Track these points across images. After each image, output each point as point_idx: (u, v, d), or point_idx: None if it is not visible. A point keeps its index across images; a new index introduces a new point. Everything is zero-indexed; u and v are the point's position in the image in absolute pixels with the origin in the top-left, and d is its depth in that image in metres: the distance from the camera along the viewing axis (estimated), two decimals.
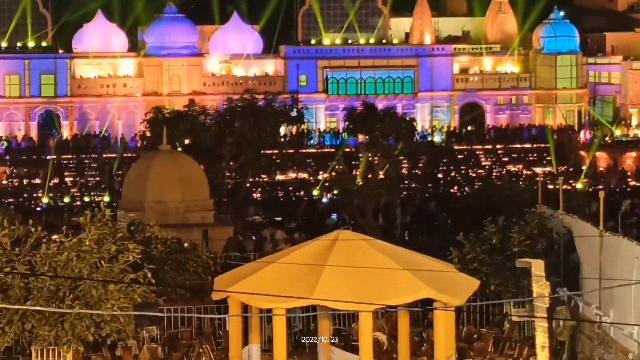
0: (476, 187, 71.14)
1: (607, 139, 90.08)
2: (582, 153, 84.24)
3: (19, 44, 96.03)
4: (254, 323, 24.60)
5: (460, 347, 26.20)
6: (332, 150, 78.71)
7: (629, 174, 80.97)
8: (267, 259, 25.75)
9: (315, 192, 69.05)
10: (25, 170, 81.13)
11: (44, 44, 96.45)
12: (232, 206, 56.84)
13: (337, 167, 70.01)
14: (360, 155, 69.26)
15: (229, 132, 60.62)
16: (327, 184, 68.34)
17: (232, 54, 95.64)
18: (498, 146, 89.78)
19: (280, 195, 72.13)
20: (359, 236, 25.28)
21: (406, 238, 44.33)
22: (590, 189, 53.55)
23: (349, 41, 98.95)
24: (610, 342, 25.66)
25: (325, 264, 22.67)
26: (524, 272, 25.30)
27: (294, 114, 70.67)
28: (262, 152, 62.28)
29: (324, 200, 65.33)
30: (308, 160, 78.96)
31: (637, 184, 76.08)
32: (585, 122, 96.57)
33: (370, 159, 65.77)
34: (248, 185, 65.38)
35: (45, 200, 69.78)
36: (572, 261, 28.67)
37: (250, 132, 60.78)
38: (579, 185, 62.48)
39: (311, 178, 75.70)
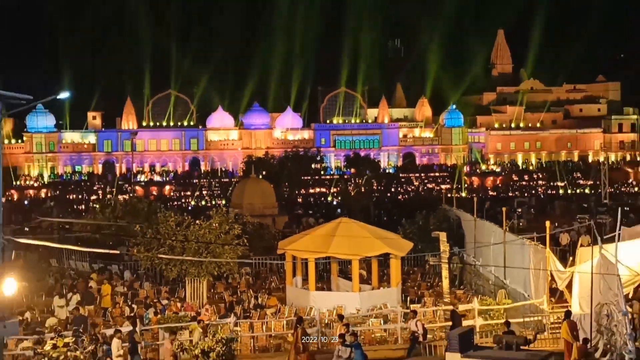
0: (411, 195, 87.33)
1: (477, 170, 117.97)
2: (465, 177, 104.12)
3: (178, 123, 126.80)
4: (298, 265, 30.17)
5: (403, 278, 31.59)
6: (337, 176, 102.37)
7: (489, 188, 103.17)
8: (303, 233, 32.60)
9: (329, 198, 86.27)
10: (182, 188, 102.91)
11: (192, 122, 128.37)
12: (287, 206, 66.95)
13: (340, 185, 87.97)
14: (352, 179, 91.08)
15: (285, 169, 74.90)
16: (335, 194, 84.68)
17: (287, 128, 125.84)
18: (422, 174, 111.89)
19: (311, 200, 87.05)
20: (352, 221, 31.33)
21: (376, 221, 47.24)
22: (469, 196, 60.36)
23: (346, 120, 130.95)
24: (479, 274, 31.96)
25: (335, 235, 28.42)
26: (436, 239, 29.92)
27: (318, 158, 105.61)
28: (302, 177, 74.58)
29: (334, 202, 79.51)
30: (325, 182, 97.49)
31: (492, 194, 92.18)
32: (467, 162, 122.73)
33: (357, 181, 78.06)
34: (295, 195, 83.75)
35: (192, 202, 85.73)
36: (460, 233, 35.16)
37: (299, 167, 78.69)
38: (463, 194, 76.31)
39: (327, 190, 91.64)
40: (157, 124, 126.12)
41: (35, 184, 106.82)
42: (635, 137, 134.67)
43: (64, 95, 33.93)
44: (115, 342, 21.93)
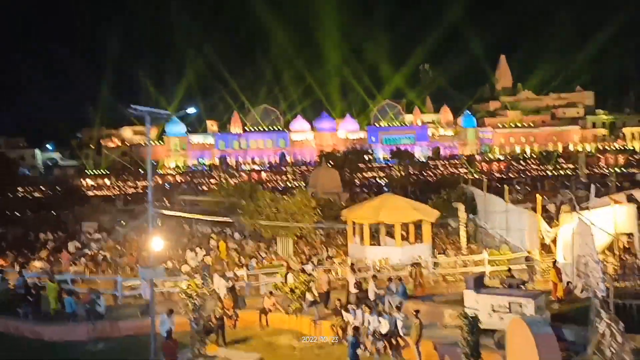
0: (438, 177, 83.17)
1: (486, 159, 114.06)
2: (477, 164, 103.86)
3: (271, 127, 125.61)
4: (357, 228, 29.43)
5: (432, 237, 29.74)
6: (385, 165, 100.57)
7: (495, 172, 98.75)
8: (360, 204, 32.28)
9: (378, 180, 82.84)
10: (274, 174, 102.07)
11: (278, 127, 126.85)
12: (348, 186, 65.22)
13: (386, 171, 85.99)
14: (395, 166, 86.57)
15: (347, 160, 73.91)
16: (382, 177, 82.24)
17: (347, 130, 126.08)
18: (445, 162, 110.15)
19: (366, 182, 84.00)
20: (395, 196, 31.65)
21: (412, 197, 45.28)
22: (480, 178, 58.18)
23: (389, 124, 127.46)
24: (488, 234, 31.27)
25: (382, 206, 28.33)
26: (456, 208, 30.41)
27: (370, 152, 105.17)
28: (358, 165, 73.65)
29: (382, 182, 75.73)
30: (375, 168, 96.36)
31: (498, 176, 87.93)
32: (479, 152, 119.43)
33: (398, 167, 76.46)
34: (354, 178, 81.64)
35: (281, 184, 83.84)
36: (474, 204, 34.43)
37: (356, 158, 77.42)
38: (476, 176, 71.77)
39: (376, 174, 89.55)
40: (256, 128, 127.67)
41: (173, 173, 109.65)
42: (605, 132, 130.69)
43: (191, 110, 34.69)
44: (219, 280, 22.43)
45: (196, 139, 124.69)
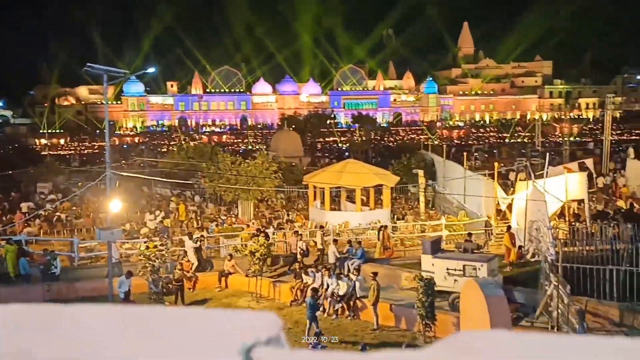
0: (399, 142, 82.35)
1: (446, 125, 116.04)
2: (437, 130, 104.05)
3: (233, 89, 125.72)
4: (317, 192, 29.70)
5: (392, 202, 30.78)
6: (347, 130, 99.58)
7: (455, 138, 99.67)
8: (321, 169, 32.37)
9: (341, 145, 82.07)
10: (235, 137, 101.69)
11: (240, 89, 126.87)
12: (310, 150, 64.88)
13: (348, 135, 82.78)
14: (357, 131, 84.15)
15: (309, 124, 72.51)
16: (344, 142, 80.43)
17: (310, 94, 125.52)
18: (406, 128, 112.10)
19: (327, 146, 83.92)
20: (356, 161, 31.66)
21: (373, 162, 47.27)
22: (440, 144, 58.58)
23: (352, 89, 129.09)
24: (445, 199, 31.95)
25: (343, 171, 28.46)
26: (416, 174, 30.83)
27: (332, 116, 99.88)
28: (320, 129, 72.85)
29: (343, 147, 75.36)
30: (337, 133, 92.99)
31: (457, 142, 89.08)
32: (440, 118, 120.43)
33: (360, 133, 75.79)
34: (316, 142, 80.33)
35: (242, 147, 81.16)
36: (433, 170, 34.89)
37: (318, 122, 75.87)
38: (436, 142, 70.57)
39: (338, 139, 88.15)
40: (217, 90, 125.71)
41: (131, 133, 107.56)
42: (561, 101, 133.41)
43: (151, 70, 33.83)
44: (186, 241, 22.51)
45: (155, 99, 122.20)
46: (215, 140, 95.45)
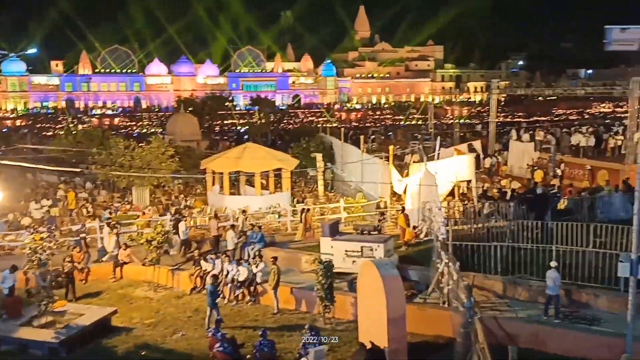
0: (297, 125, 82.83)
1: (344, 108, 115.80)
2: (336, 113, 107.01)
3: (126, 70, 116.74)
4: (216, 177, 29.51)
5: (292, 185, 30.71)
6: (246, 112, 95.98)
7: (352, 121, 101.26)
8: (220, 153, 31.65)
9: (240, 128, 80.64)
10: (128, 119, 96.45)
11: (132, 70, 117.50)
12: (208, 133, 63.54)
13: (247, 118, 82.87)
14: (256, 114, 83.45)
15: (206, 106, 70.16)
16: (244, 125, 78.88)
17: (207, 75, 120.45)
18: (305, 110, 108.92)
19: (225, 128, 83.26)
20: (255, 145, 31.57)
21: (272, 145, 46.13)
22: (338, 127, 58.58)
23: (250, 70, 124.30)
24: (344, 182, 32.30)
25: (242, 155, 28.17)
26: (315, 157, 30.98)
27: (230, 98, 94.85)
28: (218, 112, 70.72)
29: (242, 130, 74.35)
30: (236, 116, 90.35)
31: (355, 125, 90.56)
32: (338, 101, 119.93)
33: (259, 116, 74.48)
34: (214, 125, 79.47)
35: (137, 130, 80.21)
36: (332, 153, 35.24)
37: (216, 104, 74.53)
38: (334, 125, 71.22)
39: (237, 122, 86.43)
40: (108, 70, 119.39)
41: (11, 116, 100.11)
42: (452, 85, 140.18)
43: (32, 51, 31.76)
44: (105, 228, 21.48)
45: (38, 79, 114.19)
46: (107, 123, 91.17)
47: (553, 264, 14.51)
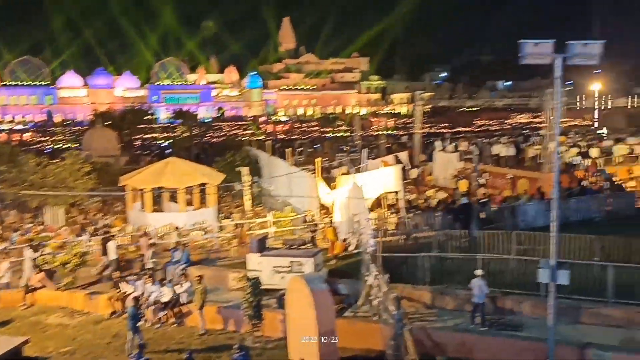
0: (222, 139, 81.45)
1: (270, 120, 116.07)
2: (263, 126, 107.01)
3: (36, 82, 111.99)
4: (136, 195, 28.34)
5: (218, 200, 29.54)
6: (168, 126, 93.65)
7: (279, 133, 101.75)
8: (139, 170, 30.44)
9: (162, 142, 78.25)
10: (40, 135, 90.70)
11: (43, 82, 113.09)
12: (127, 148, 61.46)
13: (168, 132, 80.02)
14: (178, 127, 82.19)
15: (125, 120, 67.98)
16: (166, 139, 77.20)
17: (126, 87, 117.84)
18: (230, 123, 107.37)
19: (148, 144, 79.85)
20: (178, 159, 30.66)
21: (196, 159, 44.50)
22: (264, 139, 59.10)
23: (173, 82, 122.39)
24: (271, 195, 31.50)
25: (165, 170, 27.49)
26: (240, 173, 29.57)
27: (151, 111, 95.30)
28: (138, 125, 69.07)
29: (165, 144, 72.43)
30: (157, 129, 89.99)
31: (281, 137, 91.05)
32: (264, 113, 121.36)
33: (182, 129, 73.38)
34: (133, 140, 76.57)
35: (49, 146, 75.21)
36: (258, 167, 34.85)
37: (136, 118, 70.08)
38: (260, 138, 70.98)
39: (159, 136, 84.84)
40: (17, 83, 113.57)
41: None
42: (378, 96, 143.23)
43: None
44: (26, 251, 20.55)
45: None
46: (17, 139, 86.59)
47: (478, 272, 14.94)
